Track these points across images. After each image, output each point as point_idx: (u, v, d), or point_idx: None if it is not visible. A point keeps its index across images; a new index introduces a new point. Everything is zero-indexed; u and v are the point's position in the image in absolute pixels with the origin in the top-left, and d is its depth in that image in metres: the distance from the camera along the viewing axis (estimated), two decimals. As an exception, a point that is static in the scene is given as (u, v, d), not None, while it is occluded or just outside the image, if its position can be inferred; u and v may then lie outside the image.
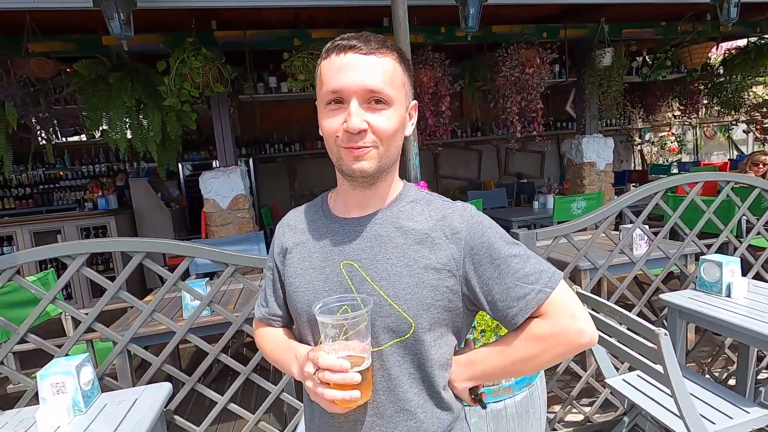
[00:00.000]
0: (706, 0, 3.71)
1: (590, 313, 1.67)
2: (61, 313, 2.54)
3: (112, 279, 1.65)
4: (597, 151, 4.85)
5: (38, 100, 3.49)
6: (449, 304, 0.75)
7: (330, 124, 0.72)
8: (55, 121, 3.58)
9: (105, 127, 3.63)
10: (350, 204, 0.81)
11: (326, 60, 0.73)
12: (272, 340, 0.88)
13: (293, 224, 0.87)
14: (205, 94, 3.61)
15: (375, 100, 0.71)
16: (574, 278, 2.42)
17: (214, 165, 6.94)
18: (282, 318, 0.89)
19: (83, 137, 6.30)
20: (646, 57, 5.43)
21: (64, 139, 5.97)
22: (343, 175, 0.76)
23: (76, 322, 1.72)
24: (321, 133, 0.77)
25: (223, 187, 3.94)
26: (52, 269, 2.70)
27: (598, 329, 1.66)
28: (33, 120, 3.44)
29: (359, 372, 0.67)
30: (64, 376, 1.39)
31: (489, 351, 0.79)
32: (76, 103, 3.73)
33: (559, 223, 4.06)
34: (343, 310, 0.72)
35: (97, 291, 4.87)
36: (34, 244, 4.74)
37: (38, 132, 3.69)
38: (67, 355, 1.60)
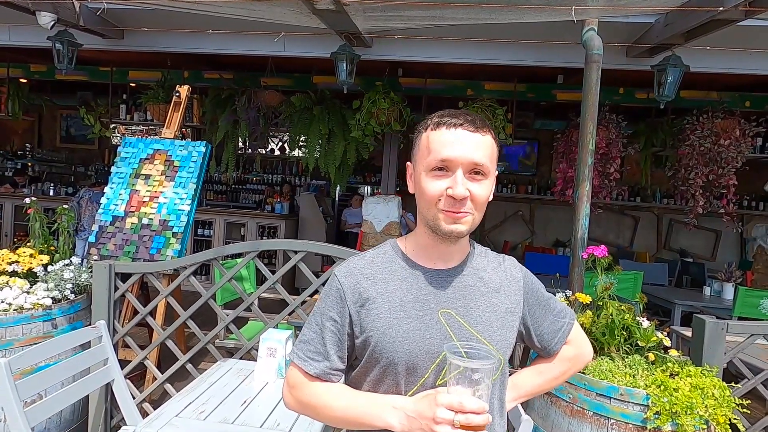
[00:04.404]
0: None
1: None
2: (252, 293, 3.14)
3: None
4: (804, 244, 4.03)
5: (259, 121, 4.45)
6: (514, 340, 0.91)
7: (434, 187, 0.80)
8: (268, 138, 4.48)
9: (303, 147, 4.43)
10: (434, 256, 0.87)
11: (435, 132, 0.81)
12: (344, 396, 0.84)
13: (368, 273, 0.86)
14: (384, 131, 4.14)
15: (476, 171, 0.80)
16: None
17: (363, 190, 7.70)
18: (342, 372, 0.87)
19: (273, 152, 7.65)
20: None
21: (260, 151, 7.35)
22: (436, 232, 0.82)
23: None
24: (414, 190, 0.86)
25: (381, 212, 4.38)
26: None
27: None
28: (254, 136, 4.38)
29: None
30: (276, 343, 1.76)
31: (529, 374, 1.01)
32: (284, 126, 4.62)
33: (740, 318, 3.47)
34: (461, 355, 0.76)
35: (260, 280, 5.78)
36: (226, 231, 5.88)
37: (252, 144, 4.69)
38: (275, 327, 2.01)
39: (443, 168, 0.80)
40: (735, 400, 1.49)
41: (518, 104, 4.78)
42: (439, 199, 0.80)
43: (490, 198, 0.84)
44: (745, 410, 1.51)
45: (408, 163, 0.90)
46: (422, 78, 4.59)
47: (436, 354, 0.82)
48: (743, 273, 4.60)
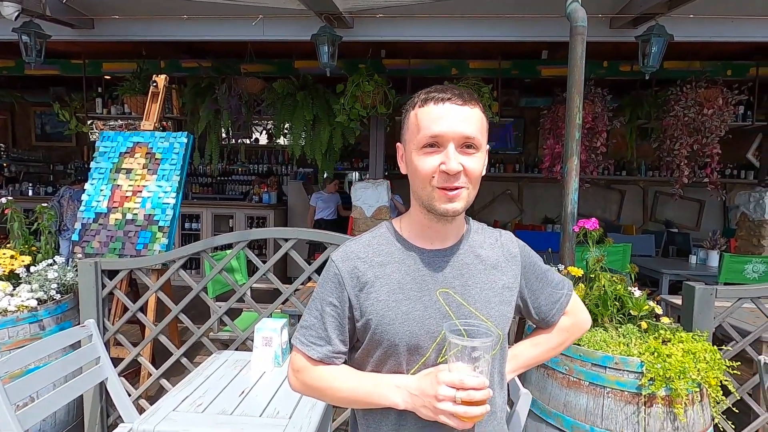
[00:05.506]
0: None
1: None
2: (243, 283, 3.10)
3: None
4: (785, 209, 4.12)
5: (241, 110, 4.34)
6: (512, 314, 0.92)
7: (426, 164, 0.78)
8: (252, 127, 4.39)
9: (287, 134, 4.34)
10: (431, 236, 0.86)
11: (423, 108, 0.80)
12: (347, 378, 0.85)
13: (365, 257, 0.85)
14: (370, 114, 4.07)
15: (467, 145, 0.78)
16: (755, 348, 2.13)
17: (352, 175, 7.64)
18: (344, 354, 0.88)
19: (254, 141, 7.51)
20: None
21: (245, 141, 7.20)
22: (431, 212, 0.81)
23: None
24: (406, 171, 0.85)
25: (371, 197, 4.35)
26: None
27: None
28: (237, 125, 4.28)
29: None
30: (272, 333, 1.74)
31: (527, 345, 1.01)
32: (268, 114, 4.52)
33: (726, 284, 3.56)
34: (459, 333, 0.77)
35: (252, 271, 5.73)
36: (214, 224, 5.80)
37: (235, 133, 4.59)
38: (269, 317, 1.99)
39: (434, 144, 0.79)
40: (725, 362, 1.53)
41: (503, 82, 4.74)
42: (433, 176, 0.79)
43: (484, 172, 0.83)
44: (735, 372, 1.55)
45: (398, 144, 0.89)
46: (406, 59, 4.51)
47: (437, 333, 0.81)
48: (727, 240, 4.71)
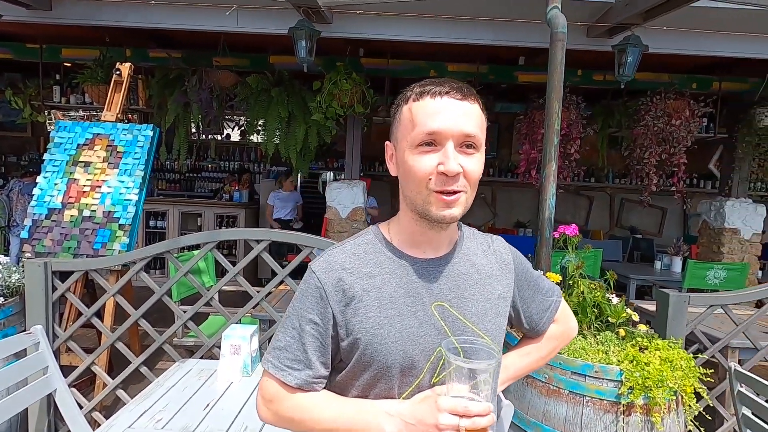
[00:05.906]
0: None
1: (748, 395, 1.51)
2: (211, 286, 2.95)
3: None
4: (743, 218, 4.32)
5: (212, 104, 4.16)
6: (506, 325, 0.87)
7: (423, 164, 0.71)
8: (223, 122, 4.22)
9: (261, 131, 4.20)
10: (422, 243, 0.79)
11: (418, 102, 0.72)
12: (331, 406, 0.75)
13: (351, 268, 0.76)
14: (347, 113, 3.99)
15: (467, 144, 0.71)
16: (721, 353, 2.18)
17: (326, 175, 7.51)
18: (325, 379, 0.78)
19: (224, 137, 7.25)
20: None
21: (216, 137, 6.94)
22: (425, 218, 0.74)
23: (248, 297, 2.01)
24: (396, 172, 0.77)
25: (346, 198, 4.27)
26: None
27: (754, 414, 1.50)
28: (208, 120, 4.10)
29: None
30: (240, 340, 1.64)
31: (515, 356, 0.96)
32: (241, 109, 4.35)
33: (690, 289, 3.69)
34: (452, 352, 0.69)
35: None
36: (181, 222, 5.56)
37: (205, 129, 4.40)
38: (238, 322, 1.88)
39: (431, 142, 0.71)
40: (699, 369, 1.54)
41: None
42: (430, 179, 0.71)
43: (481, 175, 0.76)
44: (709, 379, 1.57)
45: (387, 143, 0.80)
46: (384, 58, 4.45)
47: (431, 351, 0.74)
48: (689, 247, 4.91)
